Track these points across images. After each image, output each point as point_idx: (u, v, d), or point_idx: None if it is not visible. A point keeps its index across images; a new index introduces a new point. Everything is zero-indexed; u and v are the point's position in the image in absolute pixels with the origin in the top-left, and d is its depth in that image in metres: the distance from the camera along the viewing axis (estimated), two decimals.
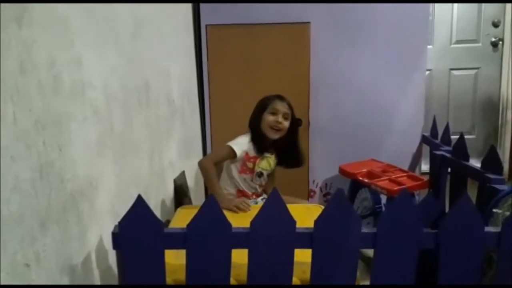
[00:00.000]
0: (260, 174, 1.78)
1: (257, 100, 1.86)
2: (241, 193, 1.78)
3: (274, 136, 1.75)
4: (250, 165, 1.75)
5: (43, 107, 0.82)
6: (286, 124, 1.76)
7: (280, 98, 1.78)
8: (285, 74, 2.31)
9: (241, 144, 1.73)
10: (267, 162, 1.80)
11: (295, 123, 1.80)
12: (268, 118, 1.74)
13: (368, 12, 2.28)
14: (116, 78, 1.22)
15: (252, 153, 1.75)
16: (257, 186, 1.80)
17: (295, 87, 2.32)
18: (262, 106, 1.77)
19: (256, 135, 1.76)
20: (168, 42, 1.84)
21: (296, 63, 2.30)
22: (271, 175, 1.87)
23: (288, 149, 1.82)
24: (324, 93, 2.35)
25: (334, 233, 0.95)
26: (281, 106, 1.75)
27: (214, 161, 1.70)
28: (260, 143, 1.75)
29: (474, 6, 3.17)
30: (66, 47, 0.93)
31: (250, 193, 1.79)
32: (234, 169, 1.76)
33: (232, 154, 1.71)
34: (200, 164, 1.70)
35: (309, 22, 2.27)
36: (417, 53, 2.33)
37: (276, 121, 1.73)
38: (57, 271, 0.86)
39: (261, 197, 1.82)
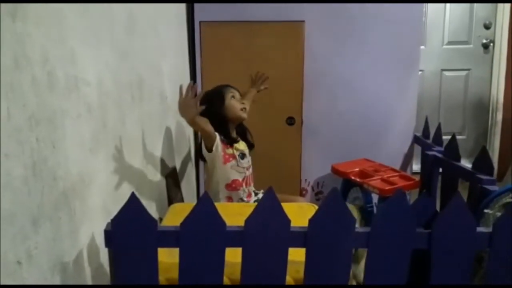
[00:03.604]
0: (242, 156, 1.82)
1: None
2: (233, 182, 1.78)
3: (245, 115, 1.83)
4: (230, 151, 1.79)
5: (37, 103, 0.81)
6: None
7: (228, 85, 1.85)
8: (278, 72, 2.31)
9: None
10: (241, 144, 1.85)
11: None
12: (232, 102, 1.80)
13: (362, 12, 2.29)
14: (110, 73, 1.21)
15: (225, 143, 1.79)
16: (244, 168, 1.81)
17: (289, 86, 2.32)
18: (219, 97, 1.81)
19: (222, 127, 1.79)
20: (161, 38, 1.82)
21: (290, 62, 2.30)
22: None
23: (245, 132, 1.90)
24: (318, 92, 2.35)
25: (328, 232, 0.95)
26: (234, 91, 1.83)
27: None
28: (227, 134, 1.80)
29: (466, 8, 3.20)
30: (60, 42, 0.92)
31: (240, 179, 1.79)
32: (219, 163, 1.76)
33: (214, 135, 1.72)
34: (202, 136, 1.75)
35: (303, 21, 2.27)
36: (410, 53, 2.34)
37: (241, 103, 1.82)
38: (48, 269, 0.85)
39: (255, 198, 1.82)
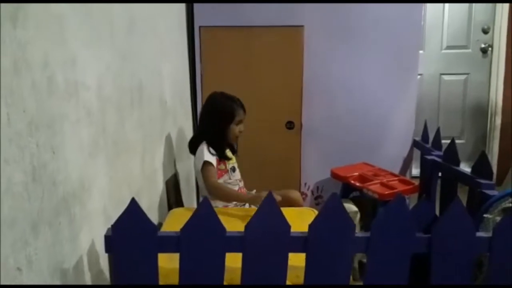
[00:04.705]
0: (233, 169, 1.82)
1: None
2: None
3: (236, 141, 1.84)
4: (222, 166, 1.78)
5: (36, 108, 0.81)
6: None
7: (241, 105, 1.80)
8: (278, 76, 2.32)
9: (210, 156, 1.74)
10: (230, 156, 1.85)
11: None
12: (236, 129, 1.78)
13: (361, 16, 2.30)
14: (110, 78, 1.21)
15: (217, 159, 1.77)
16: (237, 181, 1.82)
17: (288, 90, 2.32)
18: (229, 117, 1.77)
19: (216, 142, 1.77)
20: (161, 42, 1.83)
21: (289, 66, 2.31)
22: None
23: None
24: (317, 96, 2.35)
25: (328, 237, 0.95)
26: (244, 115, 1.80)
27: (214, 178, 1.71)
28: (220, 149, 1.78)
29: (464, 12, 3.21)
30: (60, 47, 0.92)
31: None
32: None
33: (214, 167, 1.73)
34: (210, 189, 1.71)
35: (302, 26, 2.28)
36: (409, 57, 2.34)
37: (240, 131, 1.80)
38: (48, 275, 0.85)
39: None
